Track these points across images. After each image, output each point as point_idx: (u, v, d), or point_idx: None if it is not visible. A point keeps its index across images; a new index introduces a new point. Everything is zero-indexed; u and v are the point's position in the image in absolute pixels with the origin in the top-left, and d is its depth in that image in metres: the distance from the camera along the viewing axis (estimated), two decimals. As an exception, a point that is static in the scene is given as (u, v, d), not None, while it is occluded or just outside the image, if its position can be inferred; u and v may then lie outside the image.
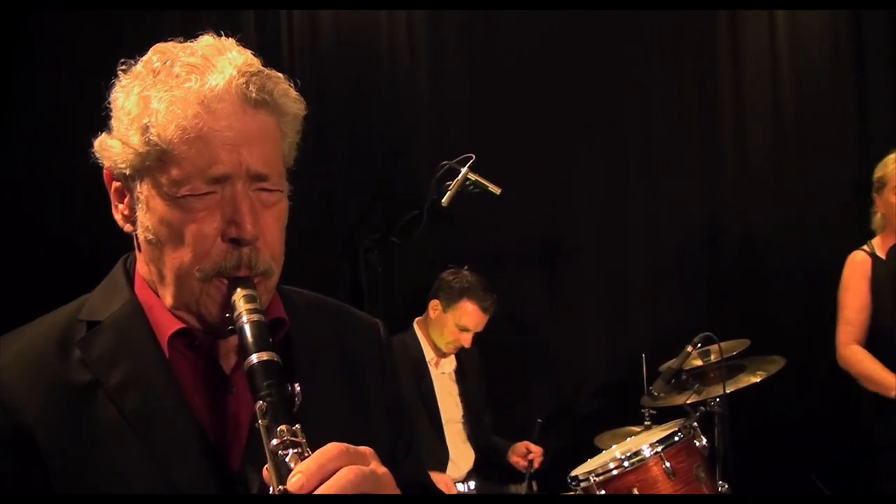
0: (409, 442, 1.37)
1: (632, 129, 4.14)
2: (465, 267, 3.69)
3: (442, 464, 3.59)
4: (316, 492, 0.90)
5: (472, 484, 3.41)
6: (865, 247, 3.34)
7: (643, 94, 4.14)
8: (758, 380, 3.12)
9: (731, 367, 3.23)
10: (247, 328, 1.04)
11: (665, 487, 2.80)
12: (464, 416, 3.77)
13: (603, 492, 2.84)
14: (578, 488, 2.92)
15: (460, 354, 3.77)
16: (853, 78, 4.01)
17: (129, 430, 1.07)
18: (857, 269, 3.31)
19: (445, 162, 3.66)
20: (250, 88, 1.08)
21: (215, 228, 1.08)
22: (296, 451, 0.95)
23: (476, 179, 3.60)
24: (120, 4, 3.73)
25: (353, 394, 1.27)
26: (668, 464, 2.80)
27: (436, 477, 3.40)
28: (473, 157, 3.60)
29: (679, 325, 3.76)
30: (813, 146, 3.98)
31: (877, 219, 3.39)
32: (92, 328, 1.13)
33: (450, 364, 3.77)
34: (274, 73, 1.14)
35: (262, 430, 0.98)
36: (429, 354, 3.73)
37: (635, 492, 2.79)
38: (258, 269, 1.11)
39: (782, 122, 4.03)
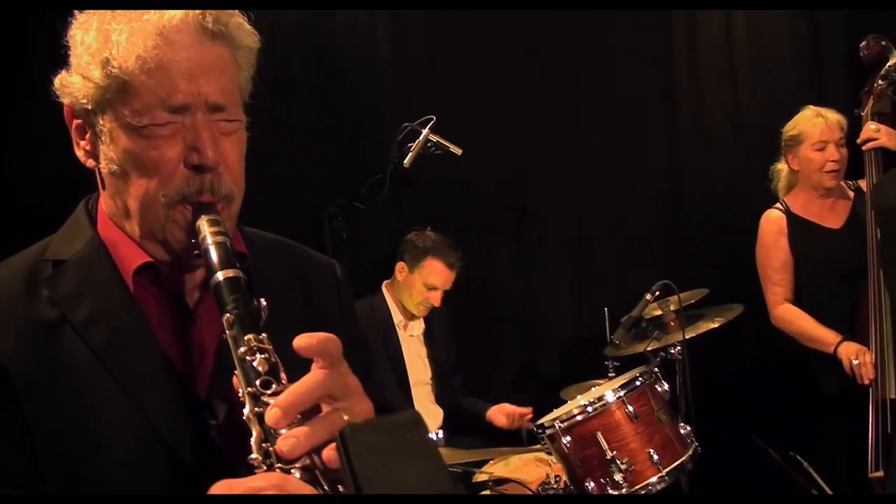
0: (368, 368, 1.41)
1: (595, 93, 4.20)
2: (429, 227, 3.73)
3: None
4: (285, 392, 0.94)
5: (440, 433, 3.45)
6: (779, 204, 3.40)
7: (606, 60, 4.20)
8: (715, 325, 3.20)
9: (690, 316, 3.32)
10: (212, 249, 1.07)
11: (628, 430, 2.88)
12: (432, 378, 3.82)
13: (568, 437, 2.90)
14: (544, 435, 2.98)
15: (429, 317, 3.82)
16: (810, 52, 4.10)
17: (97, 363, 1.10)
18: (773, 227, 3.37)
19: (407, 124, 3.69)
20: (207, 20, 1.11)
21: (177, 155, 1.11)
22: (263, 356, 0.98)
23: (437, 140, 3.64)
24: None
25: (312, 326, 1.30)
26: (630, 407, 2.87)
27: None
28: (434, 118, 3.65)
29: (643, 282, 3.82)
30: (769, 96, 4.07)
31: (783, 177, 3.46)
32: (57, 267, 1.16)
33: (418, 327, 3.82)
34: (230, 8, 1.16)
35: (230, 340, 1.01)
36: (397, 317, 3.77)
37: (599, 435, 2.85)
38: (221, 194, 1.14)
39: (738, 81, 4.12)
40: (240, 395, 0.98)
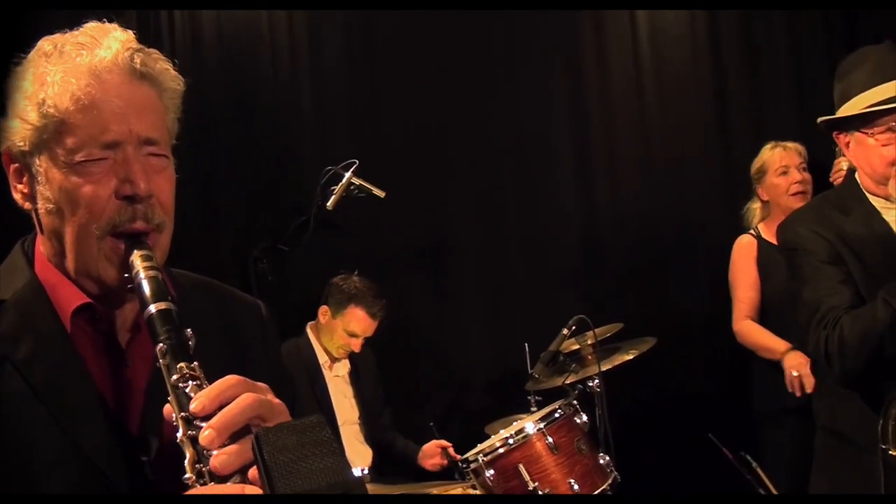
0: (292, 402, 1.46)
1: (507, 132, 4.34)
2: (356, 272, 3.78)
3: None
4: (218, 415, 0.99)
5: (365, 470, 3.46)
6: (752, 231, 3.61)
7: (516, 97, 4.34)
8: (630, 357, 3.34)
9: (607, 349, 3.45)
10: (144, 283, 1.12)
11: (549, 461, 2.96)
12: (360, 417, 3.84)
13: (492, 471, 2.97)
14: (468, 470, 3.04)
15: (354, 357, 3.85)
16: (712, 74, 4.33)
17: (35, 400, 1.14)
18: (744, 251, 3.57)
19: (330, 167, 3.77)
20: (135, 61, 1.19)
21: (110, 188, 1.16)
22: (195, 383, 1.03)
23: (360, 184, 3.72)
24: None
25: (235, 362, 1.35)
26: (550, 439, 2.96)
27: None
28: (357, 162, 3.73)
29: (560, 317, 3.94)
30: (677, 138, 4.29)
31: (757, 212, 3.66)
32: None
33: (343, 367, 3.84)
34: (154, 50, 1.24)
35: (164, 369, 1.06)
36: (322, 358, 3.79)
37: (521, 467, 2.93)
38: (154, 222, 1.19)
39: (648, 116, 4.32)
40: (173, 420, 1.03)
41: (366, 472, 3.50)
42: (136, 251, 1.15)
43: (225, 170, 4.25)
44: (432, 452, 3.69)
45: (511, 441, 2.99)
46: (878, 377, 2.00)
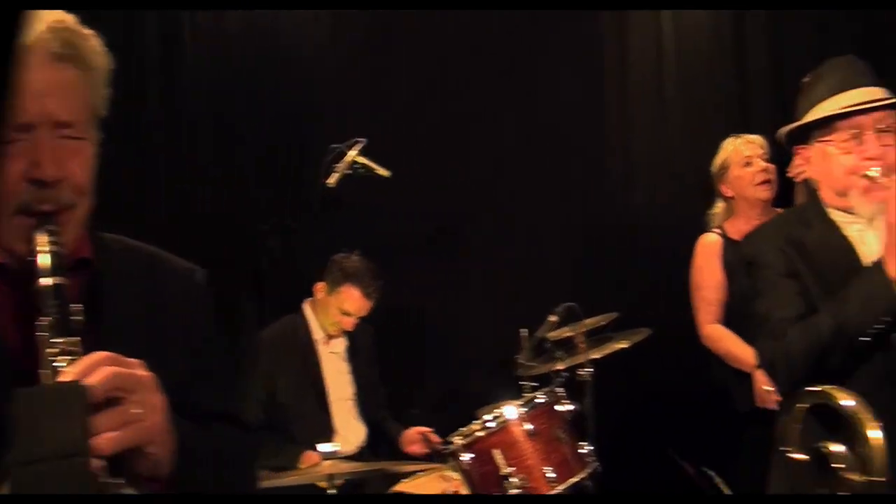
0: (211, 370, 1.46)
1: (522, 121, 4.31)
2: (357, 252, 3.79)
3: (325, 439, 3.67)
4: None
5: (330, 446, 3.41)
6: (717, 229, 3.49)
7: (532, 88, 4.30)
8: (621, 347, 3.27)
9: (600, 338, 3.39)
10: (39, 258, 1.16)
11: (526, 447, 2.93)
12: (355, 394, 3.86)
13: (469, 454, 2.96)
14: (448, 452, 3.03)
15: (353, 334, 3.87)
16: (734, 73, 4.21)
17: None
18: (708, 250, 3.44)
19: (335, 145, 3.78)
20: (54, 43, 1.21)
21: (20, 170, 1.19)
22: (70, 357, 1.07)
23: (364, 162, 3.72)
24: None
25: (154, 330, 1.37)
26: (529, 426, 2.93)
27: (307, 455, 3.46)
28: (363, 140, 3.73)
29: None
30: (694, 134, 4.18)
31: (719, 210, 3.55)
32: None
33: (340, 343, 3.86)
34: (84, 29, 1.26)
35: (42, 342, 1.09)
36: (318, 334, 3.82)
37: (496, 452, 2.91)
38: (60, 203, 1.22)
39: (664, 111, 4.23)
40: None
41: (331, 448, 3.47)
42: (40, 229, 1.20)
43: (241, 143, 4.30)
44: (413, 439, 3.69)
45: (490, 425, 2.96)
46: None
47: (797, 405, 1.52)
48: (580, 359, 3.24)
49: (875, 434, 1.32)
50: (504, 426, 2.95)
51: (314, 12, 4.37)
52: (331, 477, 2.82)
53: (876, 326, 1.77)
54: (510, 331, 3.93)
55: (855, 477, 1.33)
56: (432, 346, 4.25)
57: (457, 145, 4.29)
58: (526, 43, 4.30)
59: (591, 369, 3.25)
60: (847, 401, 1.35)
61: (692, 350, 3.42)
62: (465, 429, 3.09)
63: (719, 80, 4.15)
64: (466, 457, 2.96)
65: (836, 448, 1.36)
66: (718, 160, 3.48)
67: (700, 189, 3.97)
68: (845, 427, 1.33)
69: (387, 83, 4.36)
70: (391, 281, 4.06)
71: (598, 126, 4.27)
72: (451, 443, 3.02)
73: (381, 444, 3.89)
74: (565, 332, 3.36)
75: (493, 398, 3.66)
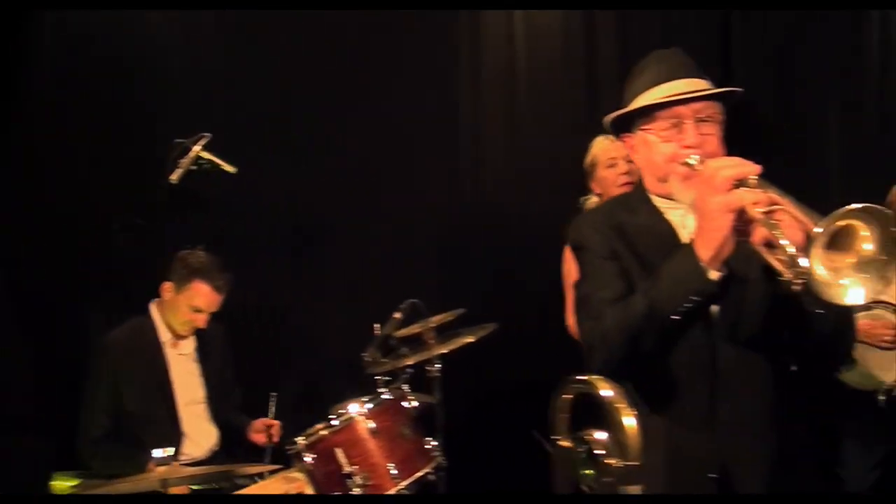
0: None
1: (376, 118, 4.28)
2: (200, 247, 3.68)
3: (173, 444, 3.55)
4: None
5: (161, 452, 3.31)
6: None
7: (387, 85, 4.28)
8: (468, 341, 3.30)
9: (449, 334, 3.42)
10: None
11: (369, 445, 2.93)
12: (207, 396, 3.75)
13: (312, 454, 2.92)
14: (291, 454, 2.99)
15: (203, 334, 3.76)
16: (585, 70, 4.31)
17: None
18: None
19: (180, 140, 3.68)
20: None
21: None
22: None
23: (209, 158, 3.64)
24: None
25: None
26: (372, 423, 2.92)
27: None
28: (208, 135, 3.64)
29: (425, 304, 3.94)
30: (544, 132, 4.25)
31: (591, 204, 3.62)
32: None
33: (189, 344, 3.74)
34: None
35: None
36: (165, 336, 3.68)
37: (338, 451, 2.88)
38: None
39: (516, 108, 4.29)
40: None
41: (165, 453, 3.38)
42: None
43: (90, 140, 4.12)
44: (259, 428, 3.60)
45: (333, 424, 2.94)
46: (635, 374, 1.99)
47: (563, 395, 1.55)
48: (429, 354, 3.25)
49: (630, 421, 1.38)
50: (347, 425, 2.94)
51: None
52: (164, 483, 2.73)
53: (686, 305, 1.80)
54: (367, 328, 3.93)
55: (613, 462, 1.38)
56: (289, 344, 4.18)
57: (311, 143, 4.24)
58: (381, 40, 4.28)
59: (440, 364, 3.26)
60: (606, 390, 1.40)
61: (540, 343, 3.49)
62: (310, 429, 3.05)
63: (570, 79, 4.24)
64: (309, 457, 2.92)
65: (599, 435, 1.40)
66: (588, 157, 3.56)
67: (548, 185, 4.07)
68: (607, 415, 1.38)
69: (241, 80, 4.26)
70: (246, 279, 3.98)
71: (450, 123, 4.29)
72: (296, 443, 2.98)
73: (237, 446, 3.79)
74: (414, 329, 3.37)
75: (351, 396, 3.65)
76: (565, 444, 1.50)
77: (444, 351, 3.26)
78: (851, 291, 1.55)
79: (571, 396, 1.49)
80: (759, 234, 1.72)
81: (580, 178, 4.16)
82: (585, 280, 2.06)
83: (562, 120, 4.20)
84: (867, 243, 1.56)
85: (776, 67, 4.20)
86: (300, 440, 2.94)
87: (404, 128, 4.25)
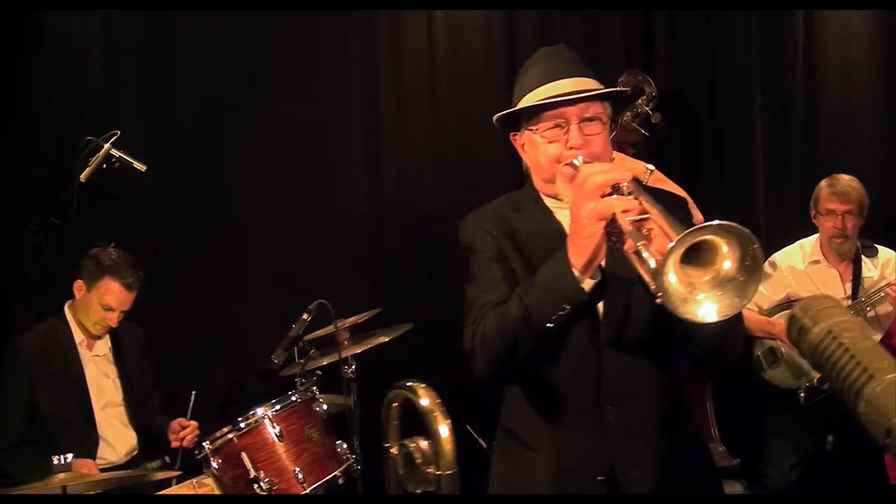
0: None
1: (299, 116, 4.23)
2: (112, 244, 3.61)
3: (90, 448, 3.50)
4: None
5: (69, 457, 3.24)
6: None
7: (309, 84, 4.24)
8: (382, 341, 3.28)
9: (367, 335, 3.39)
10: None
11: (275, 449, 2.90)
12: (124, 399, 3.69)
13: (219, 459, 2.88)
14: (200, 457, 2.94)
15: (119, 335, 3.69)
16: (506, 68, 4.28)
17: None
18: None
19: (90, 137, 3.60)
20: None
21: None
22: None
23: (120, 156, 3.57)
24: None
25: None
26: (276, 427, 2.89)
27: (79, 463, 3.31)
28: (118, 132, 3.57)
29: (343, 304, 3.88)
30: (466, 132, 4.22)
31: None
32: None
33: (104, 345, 3.68)
34: None
35: None
36: (79, 337, 3.61)
37: (244, 455, 2.85)
38: None
39: (440, 113, 4.25)
40: None
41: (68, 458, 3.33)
42: None
43: (6, 140, 4.03)
44: (175, 429, 3.54)
45: (240, 426, 2.90)
46: (522, 378, 1.99)
47: (390, 402, 1.54)
48: (343, 355, 3.22)
49: (445, 430, 1.37)
50: (252, 428, 2.90)
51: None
52: (64, 490, 2.67)
53: (559, 313, 1.77)
54: (287, 326, 3.89)
55: (431, 470, 1.38)
56: (208, 343, 4.11)
57: (229, 141, 4.19)
58: (299, 40, 4.22)
59: (355, 365, 3.23)
60: (424, 399, 1.39)
61: (456, 342, 3.46)
62: (217, 433, 3.01)
63: (492, 79, 4.21)
64: (216, 462, 2.88)
65: (422, 443, 1.40)
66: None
67: (469, 184, 4.05)
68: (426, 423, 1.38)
69: (160, 76, 4.18)
70: (165, 277, 3.92)
71: (372, 122, 4.24)
72: (203, 447, 2.93)
73: (158, 449, 3.73)
74: (328, 330, 3.33)
75: (273, 396, 3.60)
76: (393, 450, 1.49)
77: (358, 351, 3.22)
78: (704, 308, 1.53)
79: (397, 403, 1.48)
80: (629, 243, 1.70)
81: (500, 178, 4.17)
82: (472, 282, 2.01)
83: (483, 120, 4.15)
84: (727, 261, 1.53)
85: (700, 67, 4.21)
86: (207, 444, 2.89)
87: (323, 127, 4.20)
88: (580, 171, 1.81)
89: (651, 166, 3.10)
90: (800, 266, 3.76)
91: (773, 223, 4.15)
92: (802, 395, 3.65)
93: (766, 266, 3.82)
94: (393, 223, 4.20)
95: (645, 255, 1.58)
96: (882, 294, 3.54)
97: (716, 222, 1.52)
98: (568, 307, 1.77)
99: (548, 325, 1.79)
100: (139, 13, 4.14)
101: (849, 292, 3.70)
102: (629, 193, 1.74)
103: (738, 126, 4.23)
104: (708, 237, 1.53)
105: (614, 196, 1.72)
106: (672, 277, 1.52)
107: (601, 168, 1.78)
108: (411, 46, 4.22)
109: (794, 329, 1.10)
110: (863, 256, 3.72)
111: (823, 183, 3.66)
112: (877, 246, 3.73)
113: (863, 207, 3.62)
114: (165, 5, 4.04)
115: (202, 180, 4.07)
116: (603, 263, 1.80)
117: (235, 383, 4.06)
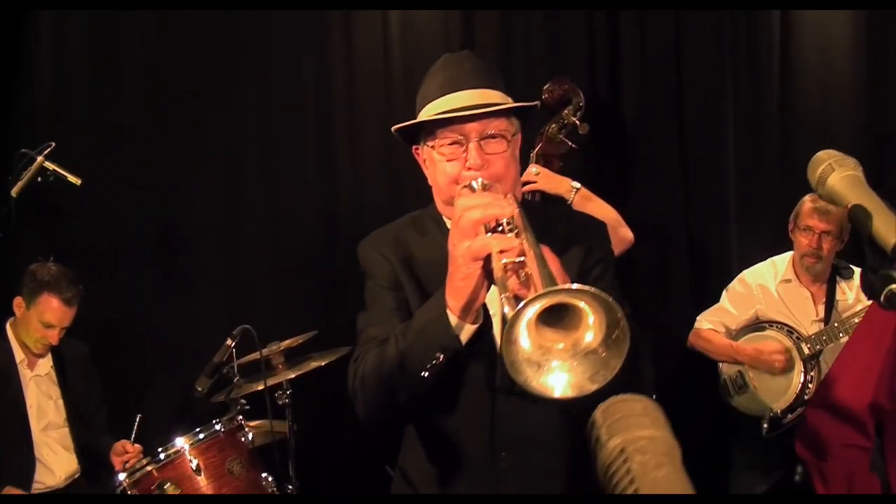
0: None
1: (249, 126, 4.12)
2: (51, 259, 3.51)
3: (26, 473, 3.40)
4: None
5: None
6: None
7: (263, 92, 4.11)
8: (318, 365, 3.14)
9: (302, 358, 3.25)
10: None
11: (194, 483, 2.77)
12: (67, 420, 3.59)
13: (135, 492, 2.76)
14: (119, 490, 2.83)
15: (63, 352, 3.59)
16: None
17: None
18: None
19: (24, 150, 3.49)
20: None
21: None
22: None
23: (54, 169, 3.46)
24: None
25: None
26: (195, 461, 2.76)
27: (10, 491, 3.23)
28: (52, 144, 3.46)
29: (297, 318, 3.76)
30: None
31: None
32: None
33: (46, 365, 3.58)
34: None
35: None
36: (19, 356, 3.52)
37: (167, 487, 2.72)
38: None
39: (389, 116, 4.07)
40: None
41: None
42: None
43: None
44: (118, 451, 3.42)
45: (158, 459, 2.78)
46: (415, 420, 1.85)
47: None
48: (277, 380, 3.08)
49: None
50: (173, 460, 2.78)
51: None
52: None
53: (433, 362, 1.60)
54: (244, 345, 3.76)
55: None
56: (158, 362, 4.00)
57: (187, 151, 4.08)
58: (249, 42, 4.09)
59: (290, 390, 3.09)
60: None
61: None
62: (137, 463, 2.89)
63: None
64: (135, 494, 2.77)
65: None
66: None
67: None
68: None
69: (109, 86, 4.07)
70: (110, 292, 3.82)
71: (324, 126, 4.09)
72: (121, 482, 2.82)
73: (103, 470, 3.62)
74: (265, 353, 3.19)
75: (214, 416, 3.48)
76: None
77: (292, 376, 3.08)
78: (554, 377, 1.36)
79: None
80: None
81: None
82: (364, 311, 1.84)
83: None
84: (589, 332, 1.36)
85: (668, 68, 3.97)
86: (125, 479, 2.77)
87: (275, 134, 4.06)
88: (456, 205, 1.64)
89: (576, 184, 2.93)
90: (771, 285, 3.56)
91: (744, 235, 3.92)
92: (766, 425, 3.46)
93: (736, 283, 3.63)
94: (347, 235, 4.05)
95: (506, 309, 1.41)
96: (857, 321, 3.31)
97: (574, 286, 1.34)
98: (441, 356, 1.61)
99: (423, 373, 1.62)
100: (87, 19, 4.03)
101: (821, 315, 3.48)
102: (512, 230, 1.57)
103: (709, 131, 3.99)
104: (569, 301, 1.36)
105: (490, 235, 1.55)
106: (524, 338, 1.36)
107: (479, 201, 1.60)
108: (365, 47, 4.05)
109: (592, 437, 0.95)
110: (838, 278, 3.51)
111: (807, 198, 3.43)
112: (853, 267, 3.50)
113: (843, 231, 3.39)
114: (111, 5, 3.93)
115: (147, 192, 3.97)
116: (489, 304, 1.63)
117: (183, 401, 3.94)
